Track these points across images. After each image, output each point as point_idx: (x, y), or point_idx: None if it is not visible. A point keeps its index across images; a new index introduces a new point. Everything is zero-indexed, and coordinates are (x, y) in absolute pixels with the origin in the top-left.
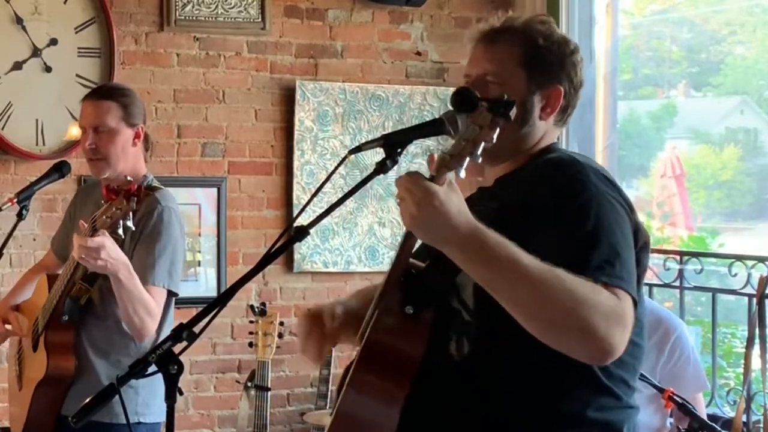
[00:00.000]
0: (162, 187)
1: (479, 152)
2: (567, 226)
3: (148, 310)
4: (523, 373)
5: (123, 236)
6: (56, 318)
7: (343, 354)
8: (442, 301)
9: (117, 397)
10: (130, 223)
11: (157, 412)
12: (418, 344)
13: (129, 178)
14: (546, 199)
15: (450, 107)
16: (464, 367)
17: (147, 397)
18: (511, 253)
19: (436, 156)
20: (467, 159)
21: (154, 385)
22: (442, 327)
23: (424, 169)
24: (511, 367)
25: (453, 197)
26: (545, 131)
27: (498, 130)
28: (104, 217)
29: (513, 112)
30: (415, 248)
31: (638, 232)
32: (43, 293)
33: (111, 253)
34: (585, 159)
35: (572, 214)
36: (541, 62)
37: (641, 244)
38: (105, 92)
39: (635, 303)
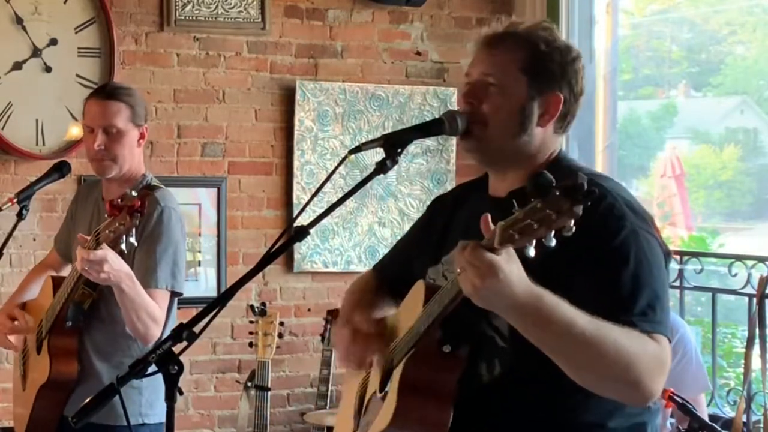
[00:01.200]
0: (162, 186)
1: (552, 235)
2: (607, 271)
3: (152, 316)
4: (553, 391)
5: (126, 251)
6: (60, 323)
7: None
8: (475, 329)
9: (120, 399)
10: (133, 240)
11: (160, 413)
12: (453, 379)
13: (133, 193)
14: (583, 238)
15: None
16: (494, 387)
17: (151, 398)
18: (568, 317)
19: (490, 221)
20: (535, 241)
21: (157, 386)
22: (475, 353)
23: (425, 170)
24: (541, 386)
25: (513, 267)
26: (543, 138)
27: (574, 221)
28: (107, 231)
29: (591, 201)
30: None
31: (668, 256)
32: (47, 295)
33: (113, 265)
34: (611, 184)
35: (611, 257)
36: (542, 68)
37: (668, 263)
38: (112, 92)
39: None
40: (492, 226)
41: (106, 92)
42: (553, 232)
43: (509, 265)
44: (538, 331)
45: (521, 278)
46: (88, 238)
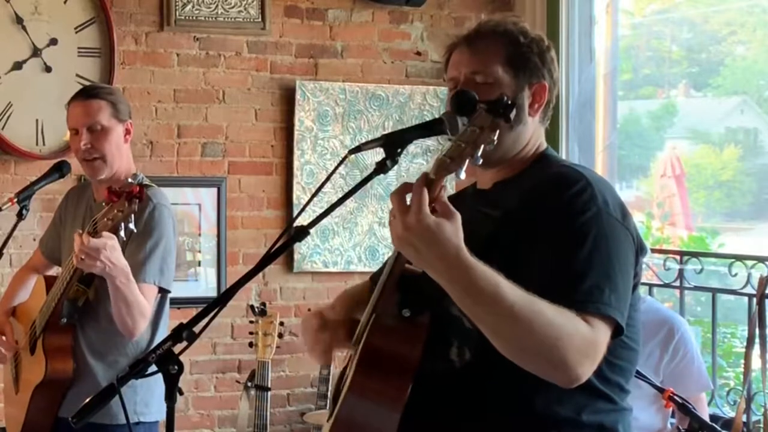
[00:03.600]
0: (153, 184)
1: (479, 154)
2: (565, 246)
3: (142, 312)
4: (522, 380)
5: (125, 238)
6: (54, 320)
7: (342, 354)
8: (440, 307)
9: (116, 397)
10: (132, 226)
11: (155, 411)
12: (416, 347)
13: (130, 180)
14: (550, 215)
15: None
16: (465, 373)
17: (145, 396)
18: (496, 289)
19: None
20: (467, 161)
21: (152, 385)
22: (442, 333)
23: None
24: (510, 373)
25: (445, 226)
26: (534, 128)
27: (498, 132)
28: (105, 219)
29: (513, 114)
30: None
31: (640, 249)
32: (39, 295)
33: (111, 257)
34: (589, 173)
35: (571, 234)
36: (526, 59)
37: (641, 258)
38: (91, 92)
39: (620, 328)
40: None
41: (85, 93)
42: (480, 150)
43: (437, 223)
44: (465, 298)
45: (450, 241)
46: (87, 227)
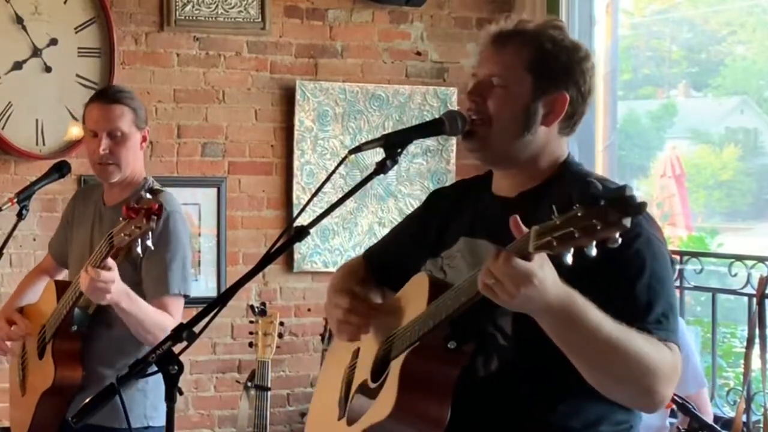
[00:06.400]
0: (164, 189)
1: (594, 244)
2: (622, 280)
3: (160, 325)
4: (547, 392)
5: (142, 255)
6: (65, 327)
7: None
8: (478, 325)
9: (120, 399)
10: (149, 243)
11: (164, 415)
12: (454, 375)
13: (149, 195)
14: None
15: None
16: (486, 383)
17: (155, 401)
18: (596, 320)
19: (521, 224)
20: (573, 249)
21: (161, 389)
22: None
23: (425, 170)
24: (536, 386)
25: (547, 272)
26: (548, 139)
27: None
28: (122, 234)
29: (645, 209)
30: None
31: (672, 261)
32: (49, 300)
33: (118, 286)
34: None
35: (626, 267)
36: (548, 67)
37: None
38: (114, 96)
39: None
40: (525, 229)
41: (109, 96)
42: (595, 242)
43: (543, 271)
44: (566, 332)
45: (555, 282)
46: (103, 243)
